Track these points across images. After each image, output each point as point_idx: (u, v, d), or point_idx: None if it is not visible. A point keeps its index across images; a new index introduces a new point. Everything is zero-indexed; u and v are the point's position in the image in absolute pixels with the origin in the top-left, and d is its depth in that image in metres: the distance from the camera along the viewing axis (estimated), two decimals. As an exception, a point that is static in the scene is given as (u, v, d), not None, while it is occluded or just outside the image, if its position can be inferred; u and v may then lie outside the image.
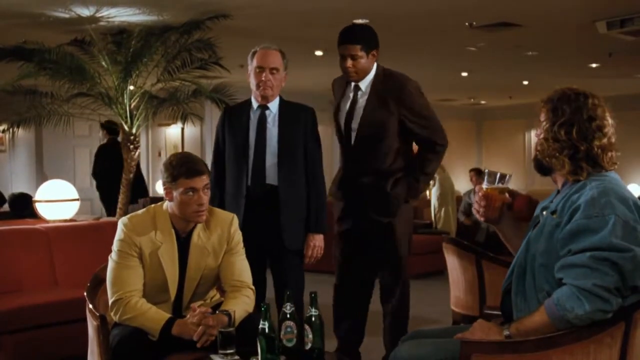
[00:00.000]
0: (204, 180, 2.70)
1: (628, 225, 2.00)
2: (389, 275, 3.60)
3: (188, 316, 2.59)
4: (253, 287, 2.83)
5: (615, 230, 1.98)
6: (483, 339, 2.11)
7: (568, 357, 1.98)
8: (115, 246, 2.73)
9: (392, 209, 3.50)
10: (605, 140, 2.17)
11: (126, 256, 2.69)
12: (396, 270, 3.58)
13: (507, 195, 2.38)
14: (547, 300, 2.03)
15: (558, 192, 2.27)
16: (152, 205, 2.84)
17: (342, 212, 3.59)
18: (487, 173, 2.38)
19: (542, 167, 2.26)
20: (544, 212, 2.24)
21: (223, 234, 2.81)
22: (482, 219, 2.40)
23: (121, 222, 2.75)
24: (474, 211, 2.44)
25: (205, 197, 2.71)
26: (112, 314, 2.68)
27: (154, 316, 2.61)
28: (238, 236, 2.87)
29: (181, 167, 2.68)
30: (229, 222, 2.85)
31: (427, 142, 3.52)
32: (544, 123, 2.22)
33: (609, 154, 2.19)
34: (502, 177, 2.35)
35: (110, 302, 2.69)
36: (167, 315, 2.63)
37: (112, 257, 2.72)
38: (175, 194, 2.69)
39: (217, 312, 2.59)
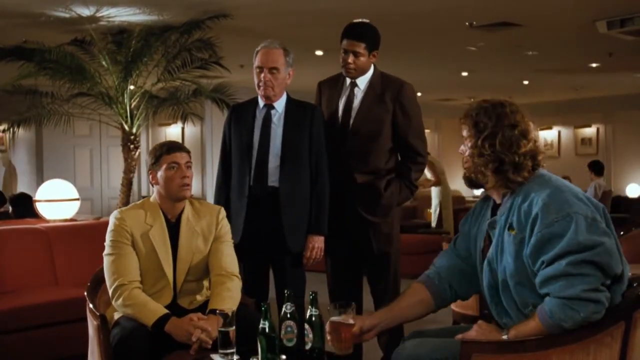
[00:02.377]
0: (185, 157, 2.84)
1: (588, 219, 2.00)
2: (378, 277, 3.59)
3: (185, 318, 2.62)
4: (239, 275, 2.89)
5: (579, 229, 1.97)
6: (483, 339, 2.11)
7: (568, 357, 1.98)
8: (108, 238, 2.79)
9: (385, 210, 3.49)
10: (531, 145, 2.16)
11: (120, 245, 2.76)
12: (385, 271, 3.57)
13: (353, 325, 2.27)
14: (540, 312, 2.01)
15: (495, 203, 2.25)
16: (141, 200, 2.98)
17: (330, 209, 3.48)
18: (332, 306, 2.32)
19: (472, 183, 2.25)
20: (493, 229, 2.21)
21: (212, 220, 2.91)
22: (337, 353, 2.30)
23: (112, 216, 2.84)
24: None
25: (189, 171, 2.83)
26: (113, 301, 2.71)
27: (152, 308, 2.65)
28: (227, 226, 2.96)
29: (162, 147, 2.86)
30: (217, 211, 2.96)
31: (409, 149, 3.51)
32: (468, 140, 2.21)
33: (539, 157, 2.17)
34: (348, 306, 2.27)
35: (110, 290, 2.72)
36: (165, 311, 2.65)
37: (106, 251, 2.79)
38: (159, 173, 2.82)
39: (217, 312, 2.59)
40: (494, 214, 2.26)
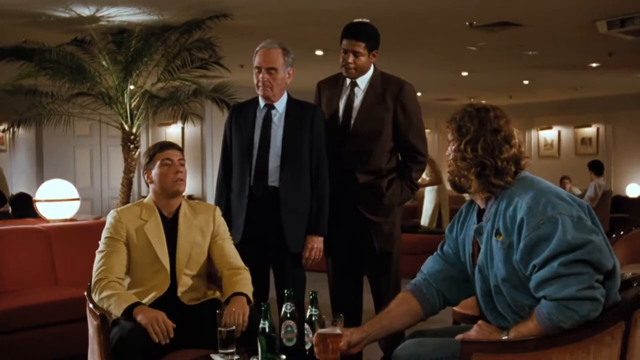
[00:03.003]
0: (178, 154, 2.93)
1: (574, 218, 2.00)
2: (379, 277, 3.59)
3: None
4: (247, 268, 2.96)
5: (566, 229, 1.98)
6: (483, 339, 2.11)
7: (568, 356, 1.98)
8: (102, 236, 2.86)
9: (386, 209, 3.49)
10: (514, 151, 2.16)
11: (112, 242, 2.82)
12: (387, 271, 3.57)
13: (341, 336, 2.23)
14: (538, 314, 2.01)
15: (480, 209, 2.26)
16: (139, 200, 3.08)
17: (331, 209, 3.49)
18: (319, 321, 2.29)
19: (457, 186, 2.26)
20: (480, 235, 2.21)
21: (209, 217, 2.98)
22: None
23: (109, 215, 2.92)
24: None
25: (182, 168, 2.91)
26: (93, 294, 2.76)
27: (126, 298, 2.69)
28: (224, 224, 3.04)
29: (155, 147, 2.96)
30: (213, 209, 3.04)
31: (410, 149, 3.51)
32: (452, 144, 2.22)
33: (521, 163, 2.18)
34: (336, 317, 2.25)
35: (92, 286, 2.77)
36: (136, 299, 2.69)
37: (98, 249, 2.85)
38: (154, 172, 2.90)
39: (217, 311, 2.59)
40: (479, 219, 2.26)
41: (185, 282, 2.86)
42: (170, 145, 2.96)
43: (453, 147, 2.22)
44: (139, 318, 2.58)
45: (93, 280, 2.77)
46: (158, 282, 2.81)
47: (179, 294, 2.83)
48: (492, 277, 2.17)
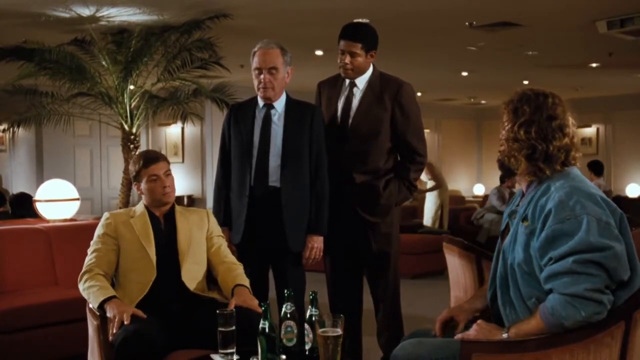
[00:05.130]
0: (162, 166, 2.99)
1: (601, 222, 2.01)
2: (378, 277, 3.59)
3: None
4: (241, 264, 3.07)
5: (590, 230, 1.98)
6: (483, 339, 2.11)
7: (568, 356, 1.98)
8: (94, 236, 2.97)
9: (384, 210, 3.49)
10: (566, 140, 2.17)
11: (102, 239, 2.94)
12: (385, 271, 3.57)
13: (341, 336, 2.20)
14: (542, 308, 2.02)
15: (523, 194, 2.27)
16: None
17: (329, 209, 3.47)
18: (319, 321, 2.23)
19: (505, 168, 2.28)
20: (513, 219, 2.24)
21: (202, 216, 3.11)
22: None
23: (103, 216, 3.04)
24: None
25: (168, 180, 2.99)
26: (79, 286, 2.85)
27: (105, 292, 2.76)
28: (217, 224, 3.15)
29: (139, 161, 3.01)
30: (205, 210, 3.17)
31: (408, 149, 3.51)
32: (506, 124, 2.24)
33: (572, 154, 2.18)
34: (337, 319, 2.21)
35: (79, 277, 2.87)
36: (114, 294, 2.77)
37: (90, 248, 2.96)
38: (142, 186, 3.00)
39: (217, 312, 2.59)
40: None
41: (188, 268, 2.93)
42: (154, 160, 2.99)
43: (507, 128, 2.23)
44: (107, 311, 2.68)
45: (81, 272, 2.88)
46: (142, 270, 2.87)
47: (182, 278, 2.89)
48: (510, 260, 2.19)
